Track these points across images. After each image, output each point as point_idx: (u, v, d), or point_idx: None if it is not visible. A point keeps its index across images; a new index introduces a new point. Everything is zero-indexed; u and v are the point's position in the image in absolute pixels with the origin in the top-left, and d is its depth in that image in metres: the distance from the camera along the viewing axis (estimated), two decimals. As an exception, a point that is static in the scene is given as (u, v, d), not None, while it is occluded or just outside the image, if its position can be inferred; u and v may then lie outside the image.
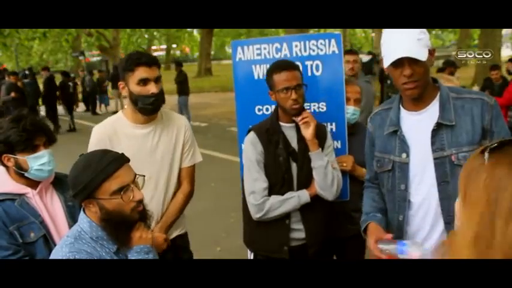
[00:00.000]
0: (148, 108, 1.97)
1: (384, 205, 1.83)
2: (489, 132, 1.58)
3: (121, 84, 2.00)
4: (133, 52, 2.03)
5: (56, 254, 1.35)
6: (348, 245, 2.43)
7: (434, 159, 1.62)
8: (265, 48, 2.38)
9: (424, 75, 1.59)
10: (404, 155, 1.69)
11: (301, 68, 2.13)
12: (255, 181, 2.03)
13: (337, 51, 2.29)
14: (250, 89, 2.39)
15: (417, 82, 1.58)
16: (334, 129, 2.34)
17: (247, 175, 2.08)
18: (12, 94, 9.83)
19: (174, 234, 2.17)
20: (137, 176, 1.44)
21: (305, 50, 2.33)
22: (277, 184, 2.05)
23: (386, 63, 1.60)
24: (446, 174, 1.61)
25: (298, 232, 2.09)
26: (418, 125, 1.67)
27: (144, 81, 1.92)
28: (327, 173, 2.02)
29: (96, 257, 1.36)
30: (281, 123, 2.08)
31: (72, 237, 1.39)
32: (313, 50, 2.32)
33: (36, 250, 1.68)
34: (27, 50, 25.81)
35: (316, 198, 2.06)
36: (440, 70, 6.67)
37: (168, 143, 2.09)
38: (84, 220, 1.42)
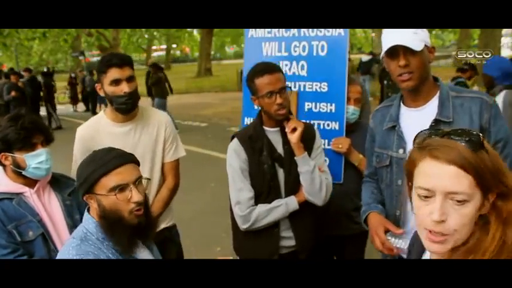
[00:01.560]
0: (122, 108, 2.02)
1: (383, 198, 1.84)
2: (486, 132, 1.58)
3: (98, 86, 2.04)
4: (106, 54, 2.09)
5: (63, 256, 1.34)
6: (348, 243, 2.43)
7: None
8: None
9: (420, 68, 1.60)
10: (401, 151, 1.70)
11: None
12: (240, 191, 1.95)
13: (342, 33, 2.32)
14: None
15: (412, 74, 1.60)
16: (333, 110, 2.35)
17: (231, 185, 1.99)
18: (13, 93, 9.85)
19: (161, 226, 2.20)
20: (142, 178, 1.43)
21: (312, 30, 2.37)
22: (264, 192, 1.96)
23: (382, 54, 1.64)
24: None
25: (288, 240, 2.02)
26: (416, 121, 1.67)
27: (116, 82, 1.97)
28: (314, 178, 1.93)
29: (102, 258, 1.34)
30: (265, 128, 1.99)
31: (78, 238, 1.37)
32: (320, 31, 2.35)
33: (34, 249, 1.68)
34: (27, 50, 25.81)
35: (305, 204, 1.98)
36: (459, 70, 6.40)
37: (149, 140, 2.13)
38: (89, 221, 1.41)
